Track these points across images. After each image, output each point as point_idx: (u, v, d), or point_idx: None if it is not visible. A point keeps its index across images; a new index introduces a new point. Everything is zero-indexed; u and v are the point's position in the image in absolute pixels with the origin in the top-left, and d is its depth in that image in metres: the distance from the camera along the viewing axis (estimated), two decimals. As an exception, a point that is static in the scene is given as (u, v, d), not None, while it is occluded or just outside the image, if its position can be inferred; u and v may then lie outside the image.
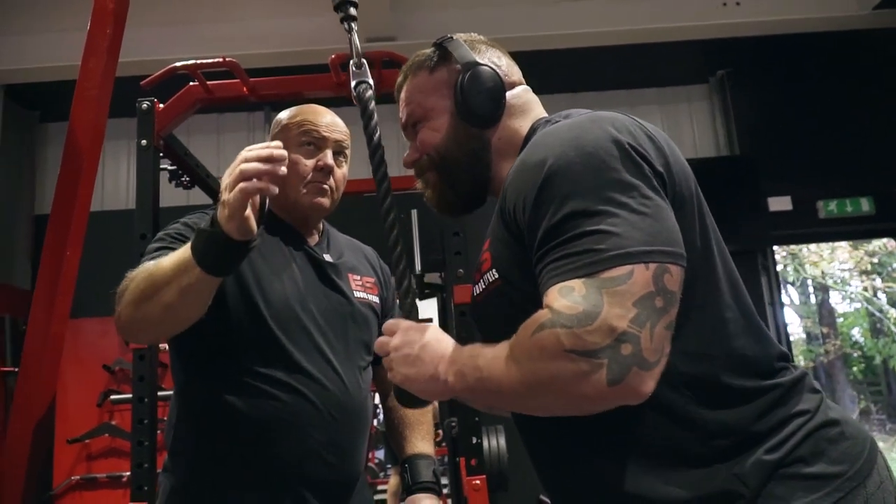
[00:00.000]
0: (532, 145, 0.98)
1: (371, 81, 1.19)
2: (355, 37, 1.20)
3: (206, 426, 1.40)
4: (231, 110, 4.90)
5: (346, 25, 1.21)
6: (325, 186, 1.52)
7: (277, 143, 1.15)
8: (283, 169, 1.13)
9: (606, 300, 0.79)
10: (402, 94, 1.19)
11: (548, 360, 0.80)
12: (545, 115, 1.15)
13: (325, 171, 1.51)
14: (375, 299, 1.62)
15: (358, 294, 1.57)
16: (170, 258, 1.20)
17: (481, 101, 1.09)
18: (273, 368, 1.38)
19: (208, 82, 2.50)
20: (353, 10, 1.20)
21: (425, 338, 0.97)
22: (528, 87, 1.17)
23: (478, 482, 1.97)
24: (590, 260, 0.82)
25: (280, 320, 1.41)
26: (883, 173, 4.93)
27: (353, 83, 1.18)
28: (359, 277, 1.60)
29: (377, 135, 1.13)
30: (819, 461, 0.87)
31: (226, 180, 1.13)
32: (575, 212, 0.85)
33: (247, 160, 1.12)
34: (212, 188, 3.32)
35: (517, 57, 1.20)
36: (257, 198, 1.14)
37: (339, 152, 1.54)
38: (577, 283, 0.81)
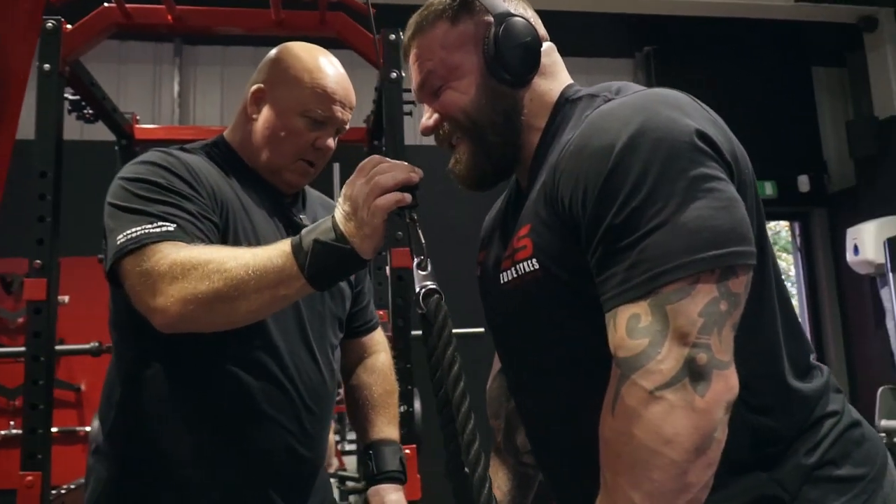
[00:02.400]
0: (592, 127, 0.87)
1: (440, 290, 0.96)
2: (419, 230, 1.00)
3: (159, 408, 1.21)
4: (136, 38, 4.48)
5: (408, 216, 1.01)
6: (313, 169, 1.36)
7: (415, 170, 1.01)
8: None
9: (672, 316, 0.75)
10: (415, 50, 1.03)
11: (642, 415, 0.74)
12: (570, 80, 1.04)
13: (321, 152, 1.34)
14: None
15: None
16: (253, 258, 1.03)
17: (518, 56, 0.97)
18: (248, 347, 1.21)
19: (127, 5, 2.24)
20: (409, 198, 1.00)
21: None
22: (554, 45, 1.05)
23: (408, 451, 1.90)
24: (654, 272, 0.76)
25: None
26: (787, 160, 5.15)
27: (418, 290, 0.96)
28: None
29: (456, 366, 0.92)
30: (846, 463, 0.87)
31: (357, 191, 0.99)
32: (642, 208, 0.78)
33: (382, 172, 0.99)
34: (117, 124, 3.03)
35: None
36: None
37: (339, 131, 1.37)
38: (642, 308, 0.76)
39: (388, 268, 2.33)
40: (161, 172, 1.20)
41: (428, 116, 1.03)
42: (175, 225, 1.12)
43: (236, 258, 1.04)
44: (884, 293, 4.18)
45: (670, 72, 5.17)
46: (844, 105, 5.30)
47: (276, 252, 1.02)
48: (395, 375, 1.56)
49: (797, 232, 5.52)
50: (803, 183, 5.16)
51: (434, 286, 0.97)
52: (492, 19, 0.98)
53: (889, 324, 4.19)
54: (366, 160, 1.02)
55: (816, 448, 0.86)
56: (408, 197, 0.99)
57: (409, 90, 2.63)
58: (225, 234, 1.22)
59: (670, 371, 0.73)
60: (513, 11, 0.99)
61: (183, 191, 1.18)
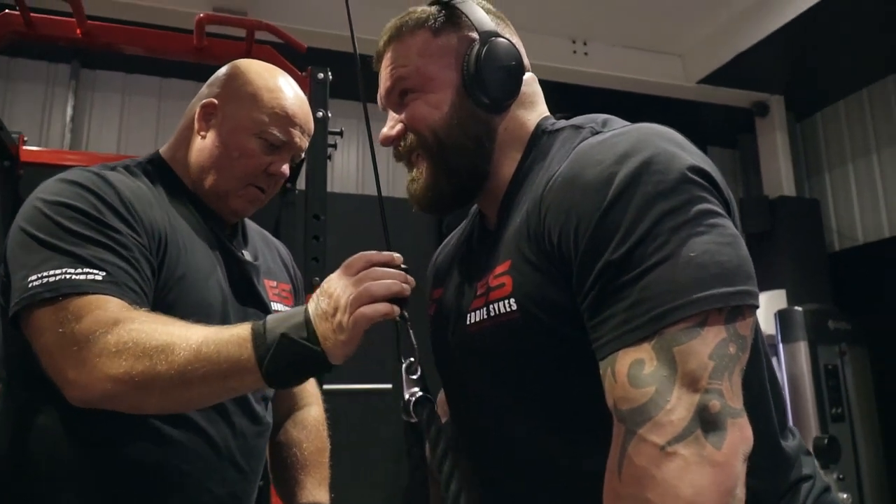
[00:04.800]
0: (584, 158, 0.81)
1: (431, 398, 0.86)
2: (410, 331, 0.90)
3: (59, 464, 1.01)
4: (29, 56, 4.16)
5: (399, 316, 0.89)
6: (263, 196, 1.22)
7: (409, 279, 0.89)
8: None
9: (680, 359, 0.68)
10: (390, 54, 0.96)
11: (655, 475, 0.65)
12: (547, 111, 0.99)
13: (274, 179, 1.21)
14: None
15: (275, 305, 1.26)
16: (205, 342, 0.87)
17: (500, 80, 0.91)
18: None
19: (31, 14, 2.04)
20: (398, 310, 0.89)
21: None
22: (535, 77, 1.00)
23: None
24: (659, 311, 0.69)
25: None
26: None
27: (407, 396, 0.86)
28: (275, 284, 1.30)
29: (454, 484, 0.80)
30: None
31: (343, 292, 0.86)
32: (643, 242, 0.72)
33: (374, 277, 0.86)
34: (2, 143, 2.76)
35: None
36: None
37: (295, 158, 1.25)
38: (646, 352, 0.69)
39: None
40: (91, 199, 1.01)
41: (391, 126, 0.95)
42: (104, 273, 0.95)
43: (187, 339, 0.88)
44: (773, 363, 4.37)
45: (579, 139, 5.33)
46: (735, 184, 5.61)
47: (233, 338, 0.88)
48: (326, 431, 1.41)
49: (690, 301, 5.73)
50: (697, 254, 5.38)
51: (425, 395, 0.86)
52: (477, 37, 0.92)
53: (777, 394, 4.35)
54: (355, 257, 0.91)
55: None
56: (396, 310, 0.87)
57: (334, 132, 2.52)
58: (160, 269, 1.06)
59: (682, 421, 0.66)
60: (500, 33, 0.94)
61: (116, 225, 1.01)
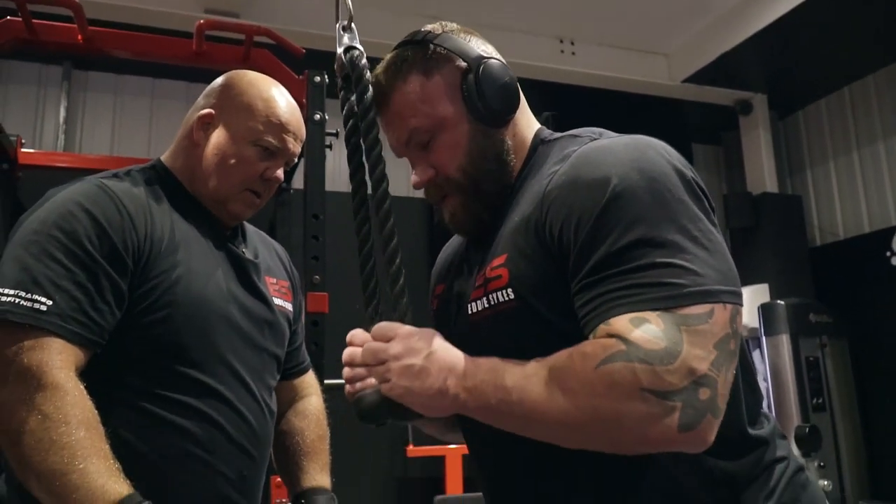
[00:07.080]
0: (585, 160, 0.88)
1: (361, 49, 0.99)
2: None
3: None
4: (20, 57, 4.18)
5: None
6: (259, 201, 1.30)
7: None
8: None
9: (686, 339, 0.74)
10: (392, 108, 1.00)
11: (618, 397, 0.73)
12: (534, 118, 1.06)
13: (270, 184, 1.29)
14: (290, 307, 1.40)
15: (276, 300, 1.33)
16: (85, 472, 0.95)
17: (501, 97, 0.96)
18: (178, 391, 1.11)
19: (33, 21, 2.09)
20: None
21: (432, 346, 0.84)
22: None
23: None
24: (668, 293, 0.76)
25: (195, 328, 1.14)
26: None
27: (340, 49, 0.97)
28: (275, 280, 1.37)
29: (372, 113, 0.97)
30: None
31: None
32: (643, 239, 0.79)
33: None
34: (2, 147, 2.80)
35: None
36: None
37: (289, 163, 1.32)
38: (651, 316, 0.75)
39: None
40: (79, 219, 1.09)
41: (422, 170, 1.00)
42: (52, 302, 1.02)
43: (83, 474, 0.95)
44: (756, 355, 4.48)
45: (566, 137, 5.39)
46: (719, 180, 5.71)
47: (97, 494, 0.95)
48: (326, 420, 1.49)
49: (676, 296, 5.82)
50: (683, 250, 5.46)
51: (357, 46, 0.99)
52: (465, 65, 0.97)
53: (761, 384, 4.45)
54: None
55: (773, 493, 0.89)
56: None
57: (331, 133, 2.56)
58: (151, 272, 1.13)
59: (672, 386, 0.72)
60: (484, 54, 0.98)
61: (90, 248, 1.07)
